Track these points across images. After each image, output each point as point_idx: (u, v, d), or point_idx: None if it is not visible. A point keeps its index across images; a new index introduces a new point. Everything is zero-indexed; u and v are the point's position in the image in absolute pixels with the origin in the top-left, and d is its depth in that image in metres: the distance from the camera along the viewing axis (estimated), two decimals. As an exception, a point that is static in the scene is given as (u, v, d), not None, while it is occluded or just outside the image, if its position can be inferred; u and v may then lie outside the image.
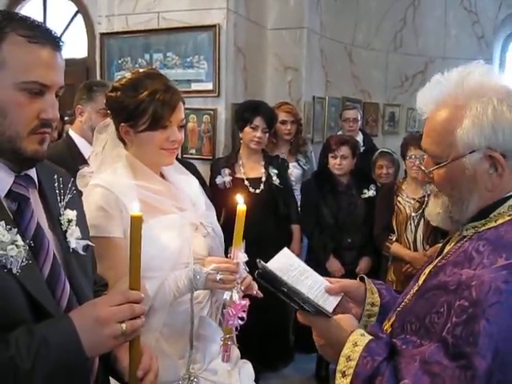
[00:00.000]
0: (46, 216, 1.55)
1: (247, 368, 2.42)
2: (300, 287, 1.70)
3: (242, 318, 2.13)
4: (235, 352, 2.33)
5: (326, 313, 1.65)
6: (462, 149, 1.47)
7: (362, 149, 5.54)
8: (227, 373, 2.29)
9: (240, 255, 2.14)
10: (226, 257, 2.22)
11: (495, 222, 1.49)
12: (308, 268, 1.87)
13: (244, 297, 2.18)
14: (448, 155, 1.50)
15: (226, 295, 2.16)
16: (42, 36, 1.42)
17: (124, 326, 1.40)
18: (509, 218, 1.48)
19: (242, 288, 2.20)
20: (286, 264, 1.80)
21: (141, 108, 2.16)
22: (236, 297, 2.13)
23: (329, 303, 1.76)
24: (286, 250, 1.90)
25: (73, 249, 1.57)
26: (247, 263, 2.18)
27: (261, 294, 2.27)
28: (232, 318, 2.11)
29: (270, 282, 1.68)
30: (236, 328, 2.15)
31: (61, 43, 1.48)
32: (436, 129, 1.53)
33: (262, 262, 1.68)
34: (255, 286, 2.27)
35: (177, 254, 2.16)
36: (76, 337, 1.34)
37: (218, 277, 2.11)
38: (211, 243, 2.37)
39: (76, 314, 1.40)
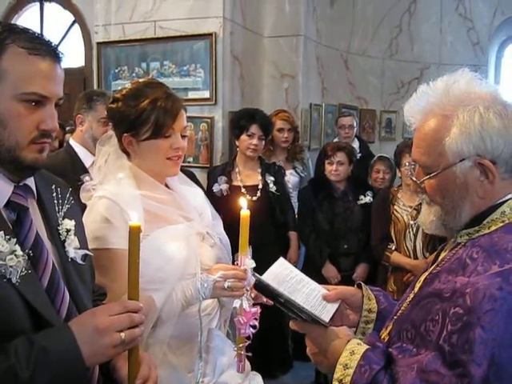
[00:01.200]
0: (45, 226, 1.56)
1: (257, 380, 2.39)
2: (297, 296, 1.71)
3: (254, 326, 2.09)
4: (246, 364, 2.27)
5: (322, 322, 1.65)
6: (451, 158, 1.47)
7: (358, 155, 5.56)
8: None
9: (247, 261, 2.10)
10: (233, 265, 2.19)
11: (488, 228, 1.49)
12: (304, 276, 1.88)
13: (254, 304, 2.15)
14: (438, 165, 1.50)
15: (236, 303, 2.12)
16: (42, 48, 1.44)
17: (123, 335, 1.41)
18: (502, 224, 1.48)
19: (252, 295, 2.16)
20: (282, 274, 1.80)
21: (143, 117, 2.15)
22: (246, 304, 2.09)
23: (326, 311, 1.76)
24: (281, 259, 1.90)
25: (71, 258, 1.58)
26: (254, 269, 2.16)
27: (271, 302, 2.26)
28: (243, 327, 2.07)
29: (266, 293, 1.68)
30: (248, 337, 2.10)
31: (60, 55, 1.50)
32: (425, 139, 1.53)
33: (256, 274, 1.69)
34: None
35: (184, 265, 2.13)
36: (75, 346, 1.35)
37: (226, 284, 2.06)
38: (218, 253, 2.34)
39: (75, 323, 1.40)
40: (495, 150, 1.44)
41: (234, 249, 2.18)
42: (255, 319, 2.10)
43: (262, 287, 1.68)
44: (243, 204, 2.07)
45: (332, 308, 1.80)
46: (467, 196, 1.49)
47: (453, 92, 1.50)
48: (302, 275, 1.87)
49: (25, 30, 1.46)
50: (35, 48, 1.42)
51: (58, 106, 1.51)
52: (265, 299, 2.20)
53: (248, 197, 4.47)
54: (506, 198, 1.50)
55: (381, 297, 1.92)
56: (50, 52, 1.46)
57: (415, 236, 4.18)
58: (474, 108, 1.45)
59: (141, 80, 2.32)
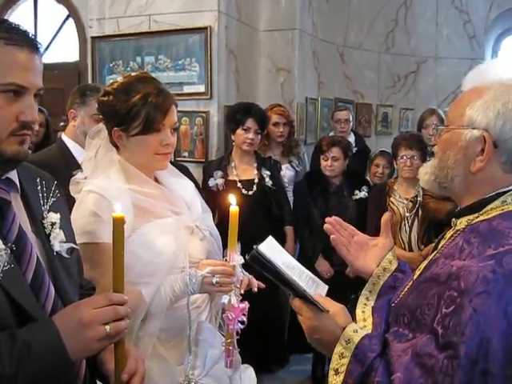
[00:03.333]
0: (29, 219, 1.54)
1: (249, 373, 2.41)
2: (291, 274, 1.67)
3: (242, 322, 2.11)
4: (236, 357, 2.30)
5: (322, 309, 1.62)
6: (466, 121, 1.53)
7: (354, 149, 5.56)
8: (228, 378, 2.27)
9: (236, 257, 2.13)
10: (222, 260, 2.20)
11: (487, 215, 1.51)
12: (291, 257, 1.85)
13: (243, 300, 2.17)
14: (455, 122, 1.58)
15: (224, 299, 2.14)
16: (20, 38, 1.41)
17: (108, 328, 1.39)
18: (501, 211, 1.49)
19: (242, 291, 2.19)
20: (275, 250, 1.76)
21: (133, 112, 2.14)
22: (234, 300, 2.12)
23: (319, 291, 1.74)
24: (270, 238, 1.82)
25: (56, 252, 1.56)
26: (245, 265, 2.17)
27: (262, 285, 2.30)
28: (232, 322, 2.09)
29: (263, 266, 1.63)
30: (237, 332, 2.13)
31: (39, 45, 1.47)
32: (462, 98, 1.61)
33: (258, 248, 1.62)
34: (254, 282, 2.27)
35: (172, 259, 2.14)
36: (59, 340, 1.33)
37: (215, 280, 2.10)
38: (208, 247, 2.35)
39: (59, 317, 1.39)
40: (503, 134, 1.48)
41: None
42: (243, 315, 2.12)
43: (259, 260, 1.62)
44: (232, 200, 2.08)
45: (323, 290, 1.78)
46: (462, 163, 1.55)
47: (506, 75, 1.56)
48: (290, 256, 1.85)
49: (2, 21, 1.44)
50: (12, 38, 1.39)
51: (37, 97, 1.48)
52: (255, 288, 2.25)
53: (244, 191, 4.48)
54: (510, 187, 1.52)
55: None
56: (28, 42, 1.43)
57: (410, 228, 4.20)
58: (507, 92, 1.50)
59: (133, 74, 2.30)
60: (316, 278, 1.83)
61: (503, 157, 1.49)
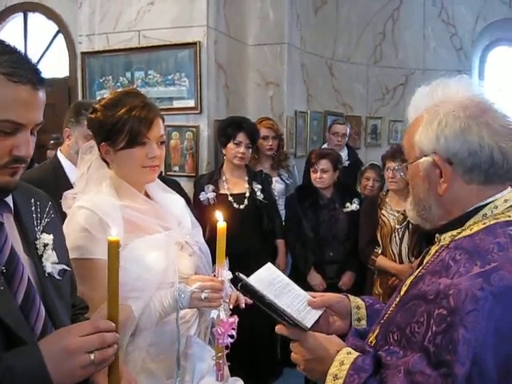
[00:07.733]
0: (22, 240, 1.53)
1: None
2: (282, 299, 1.72)
3: (231, 336, 2.12)
4: (225, 371, 2.30)
5: (302, 326, 1.66)
6: (417, 152, 1.59)
7: (347, 163, 5.59)
8: None
9: (224, 273, 2.14)
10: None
11: (470, 230, 1.52)
12: (291, 282, 1.90)
13: (232, 314, 2.18)
14: (411, 156, 1.63)
15: (214, 314, 2.15)
16: (24, 74, 1.38)
17: (93, 356, 1.37)
18: (483, 226, 1.51)
19: (231, 306, 2.20)
20: (269, 278, 1.82)
21: (118, 125, 2.16)
22: (223, 315, 2.13)
23: (311, 316, 1.78)
24: (269, 264, 1.92)
25: (48, 273, 1.55)
26: (233, 280, 2.18)
27: (249, 301, 2.29)
28: (221, 337, 2.10)
29: (251, 294, 1.70)
30: (227, 346, 2.13)
31: (43, 79, 1.45)
32: (407, 132, 1.67)
33: (240, 274, 1.71)
34: (242, 298, 2.28)
35: (162, 274, 2.15)
36: (43, 367, 1.32)
37: (203, 295, 2.11)
38: (198, 262, 2.36)
39: (45, 343, 1.38)
40: (450, 148, 1.51)
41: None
42: (233, 329, 2.13)
43: (245, 288, 1.69)
44: (219, 216, 2.08)
45: (316, 314, 1.82)
46: (430, 191, 1.58)
47: (436, 95, 1.62)
48: (289, 281, 1.90)
49: (7, 52, 1.40)
50: (15, 74, 1.37)
51: (37, 126, 1.48)
52: (243, 305, 2.26)
53: (235, 205, 4.48)
54: (488, 200, 1.53)
55: (364, 297, 1.99)
56: (32, 78, 1.40)
57: (401, 240, 4.22)
58: (438, 111, 1.54)
59: (119, 90, 2.33)
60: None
61: (460, 169, 1.51)
